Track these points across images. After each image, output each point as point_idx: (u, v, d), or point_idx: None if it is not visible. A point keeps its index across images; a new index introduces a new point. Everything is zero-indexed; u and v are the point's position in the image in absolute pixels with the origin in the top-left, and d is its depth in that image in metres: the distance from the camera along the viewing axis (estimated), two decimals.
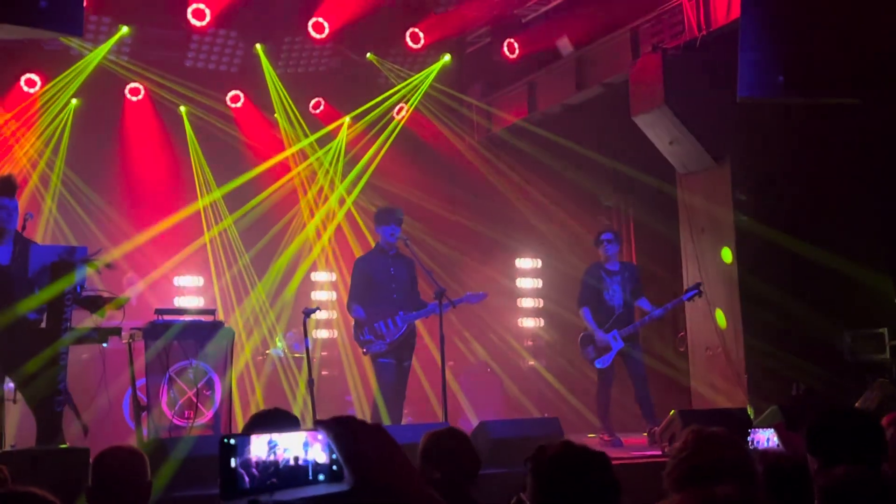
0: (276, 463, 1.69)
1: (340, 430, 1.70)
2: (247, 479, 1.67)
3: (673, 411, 8.31)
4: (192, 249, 11.93)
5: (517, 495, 3.20)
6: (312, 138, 12.60)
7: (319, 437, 1.72)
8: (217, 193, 12.14)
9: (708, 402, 10.26)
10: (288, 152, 12.60)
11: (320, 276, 12.92)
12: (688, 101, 10.06)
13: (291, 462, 1.71)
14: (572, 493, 2.91)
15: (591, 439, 9.56)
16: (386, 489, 1.65)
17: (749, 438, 4.95)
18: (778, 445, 5.00)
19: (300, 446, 1.72)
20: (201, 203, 12.18)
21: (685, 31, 10.12)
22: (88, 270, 6.94)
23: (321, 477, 1.71)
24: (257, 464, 1.68)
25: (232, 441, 1.68)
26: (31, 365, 6.60)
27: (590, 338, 9.60)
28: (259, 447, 1.70)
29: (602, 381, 9.66)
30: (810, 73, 8.61)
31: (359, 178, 12.76)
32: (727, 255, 10.29)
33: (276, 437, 1.71)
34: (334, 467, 1.71)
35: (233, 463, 1.68)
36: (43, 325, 6.72)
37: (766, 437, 5.03)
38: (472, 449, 4.26)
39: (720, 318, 10.32)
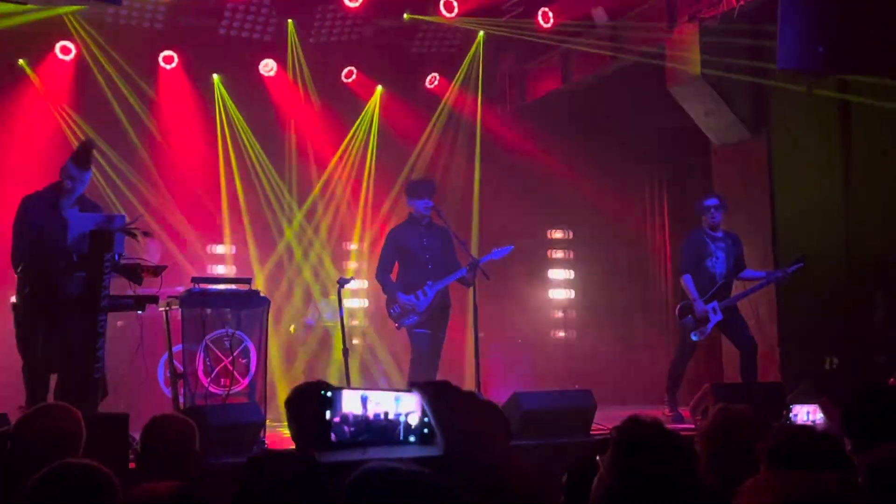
0: (367, 419, 1.70)
1: (435, 394, 1.70)
2: (345, 430, 1.68)
3: (706, 384, 8.28)
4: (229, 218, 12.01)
5: (595, 457, 3.15)
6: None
7: (414, 398, 1.72)
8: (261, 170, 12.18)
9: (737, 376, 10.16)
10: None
11: (351, 245, 12.92)
12: (725, 72, 9.94)
13: (382, 417, 1.71)
14: (648, 476, 2.85)
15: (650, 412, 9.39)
16: (475, 457, 1.65)
17: (789, 414, 4.95)
18: (823, 421, 4.98)
19: (392, 402, 1.72)
20: (232, 167, 12.17)
21: (723, 0, 9.98)
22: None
23: (412, 438, 1.71)
24: (351, 418, 1.69)
25: (329, 394, 1.69)
26: (70, 332, 6.66)
27: (689, 307, 9.10)
28: (352, 402, 1.70)
29: (682, 354, 9.29)
30: (852, 46, 8.47)
31: (392, 148, 12.72)
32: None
33: (368, 392, 1.72)
34: (425, 430, 1.70)
35: (328, 415, 1.68)
36: (82, 292, 6.74)
37: (805, 412, 5.01)
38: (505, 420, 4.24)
39: None
